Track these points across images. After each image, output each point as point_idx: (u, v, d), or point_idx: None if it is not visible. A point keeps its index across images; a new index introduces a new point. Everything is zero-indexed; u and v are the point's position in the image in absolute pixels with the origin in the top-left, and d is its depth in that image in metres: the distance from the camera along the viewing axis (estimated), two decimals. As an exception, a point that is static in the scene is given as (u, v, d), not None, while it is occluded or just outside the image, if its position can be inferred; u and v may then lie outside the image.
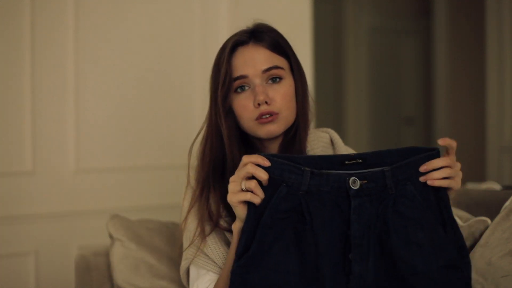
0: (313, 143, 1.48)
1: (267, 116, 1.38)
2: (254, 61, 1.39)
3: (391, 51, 6.05)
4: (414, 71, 6.13)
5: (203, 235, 1.40)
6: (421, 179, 1.21)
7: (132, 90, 2.59)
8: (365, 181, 1.20)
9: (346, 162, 1.22)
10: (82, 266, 1.87)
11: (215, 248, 1.40)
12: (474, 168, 5.28)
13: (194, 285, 1.41)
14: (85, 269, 1.87)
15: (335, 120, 5.71)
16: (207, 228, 1.41)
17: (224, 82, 1.40)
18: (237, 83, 1.40)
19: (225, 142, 1.42)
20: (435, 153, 1.23)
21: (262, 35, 1.42)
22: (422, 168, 1.21)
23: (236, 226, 1.27)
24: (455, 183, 1.23)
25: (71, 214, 2.48)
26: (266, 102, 1.37)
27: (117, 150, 2.56)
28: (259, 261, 1.20)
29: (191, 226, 1.43)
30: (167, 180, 2.49)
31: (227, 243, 1.41)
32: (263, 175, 1.20)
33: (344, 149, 1.49)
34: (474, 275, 1.43)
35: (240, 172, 1.22)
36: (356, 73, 5.79)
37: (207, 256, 1.41)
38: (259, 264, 1.20)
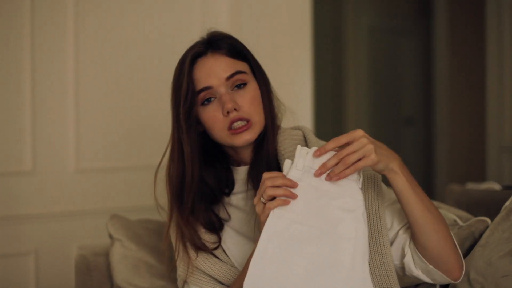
0: (284, 142, 1.43)
1: (240, 124, 1.35)
2: (215, 70, 1.36)
3: (391, 51, 6.04)
4: (414, 71, 6.12)
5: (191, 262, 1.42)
6: (326, 179, 1.19)
7: (132, 90, 2.59)
8: None
9: None
10: (82, 266, 1.87)
11: (212, 264, 1.41)
12: (474, 168, 5.28)
13: None
14: (85, 269, 1.87)
15: (334, 120, 5.71)
16: (193, 253, 1.43)
17: (187, 97, 1.38)
18: (202, 95, 1.37)
19: (185, 159, 1.41)
20: None
21: (219, 43, 1.39)
22: (317, 173, 1.19)
23: None
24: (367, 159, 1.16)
25: (71, 214, 2.48)
26: (235, 109, 1.34)
27: (117, 150, 2.56)
28: None
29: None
30: (167, 180, 2.49)
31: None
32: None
33: (316, 144, 1.43)
34: (474, 275, 1.43)
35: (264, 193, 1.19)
36: (356, 73, 5.79)
37: (204, 272, 1.42)
38: None
